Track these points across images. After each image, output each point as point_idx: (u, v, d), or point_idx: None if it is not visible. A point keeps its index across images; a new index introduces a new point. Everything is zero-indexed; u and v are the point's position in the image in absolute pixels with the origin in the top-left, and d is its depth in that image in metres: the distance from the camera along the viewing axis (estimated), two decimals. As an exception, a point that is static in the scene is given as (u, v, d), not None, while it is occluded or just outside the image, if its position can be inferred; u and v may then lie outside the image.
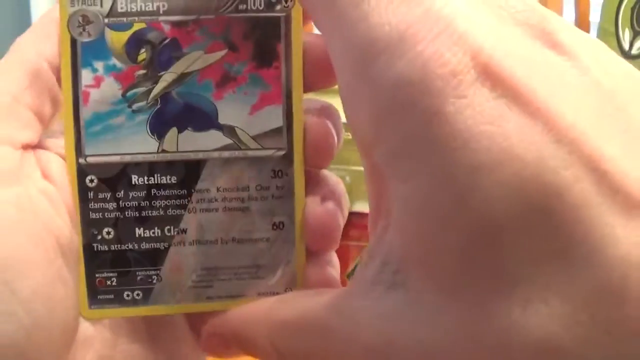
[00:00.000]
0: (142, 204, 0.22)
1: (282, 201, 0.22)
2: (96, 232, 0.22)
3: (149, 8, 0.21)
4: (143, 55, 0.21)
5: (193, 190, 0.22)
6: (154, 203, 0.22)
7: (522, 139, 0.13)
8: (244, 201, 0.22)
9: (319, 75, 0.22)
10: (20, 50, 0.20)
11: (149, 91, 0.21)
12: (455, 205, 0.14)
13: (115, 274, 0.22)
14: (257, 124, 0.22)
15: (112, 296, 0.22)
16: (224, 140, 0.22)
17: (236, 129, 0.22)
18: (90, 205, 0.21)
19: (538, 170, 0.13)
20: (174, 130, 0.21)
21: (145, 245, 0.22)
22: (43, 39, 0.20)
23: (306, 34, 0.22)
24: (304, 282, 0.23)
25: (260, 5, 0.21)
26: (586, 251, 0.13)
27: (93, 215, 0.21)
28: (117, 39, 0.21)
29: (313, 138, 0.22)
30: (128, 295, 0.22)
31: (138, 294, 0.22)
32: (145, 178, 0.22)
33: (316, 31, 0.22)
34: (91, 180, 0.21)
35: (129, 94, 0.21)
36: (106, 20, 0.21)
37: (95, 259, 0.22)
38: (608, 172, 0.13)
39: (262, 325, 0.20)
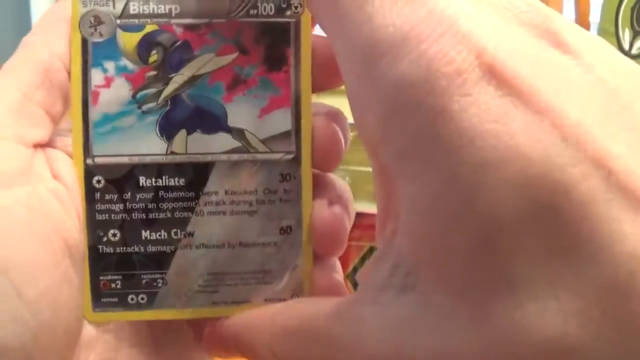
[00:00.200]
0: (150, 206, 0.21)
1: (289, 205, 0.22)
2: (102, 234, 0.21)
3: (161, 11, 0.21)
4: (154, 56, 0.21)
5: (201, 193, 0.22)
6: (161, 205, 0.22)
7: (528, 137, 0.13)
8: (252, 205, 0.22)
9: (327, 76, 0.22)
10: (31, 48, 0.20)
11: (159, 92, 0.21)
12: (462, 204, 0.14)
13: (120, 277, 0.22)
14: (266, 127, 0.22)
15: (116, 299, 0.22)
16: (233, 143, 0.22)
17: (245, 132, 0.22)
18: (96, 206, 0.21)
19: (545, 168, 0.13)
20: (183, 132, 0.21)
21: (151, 248, 0.22)
22: (55, 37, 0.20)
23: (314, 35, 0.22)
24: (310, 288, 0.22)
25: (270, 10, 0.22)
26: (594, 248, 0.13)
27: (99, 217, 0.21)
28: (129, 40, 0.21)
29: (321, 142, 0.22)
30: (132, 299, 0.22)
31: (142, 298, 0.22)
32: (153, 180, 0.21)
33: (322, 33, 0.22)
34: (98, 181, 0.21)
35: (139, 95, 0.21)
36: (118, 22, 0.21)
37: (100, 261, 0.21)
38: (615, 169, 0.13)
39: (263, 332, 0.20)
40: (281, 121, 0.22)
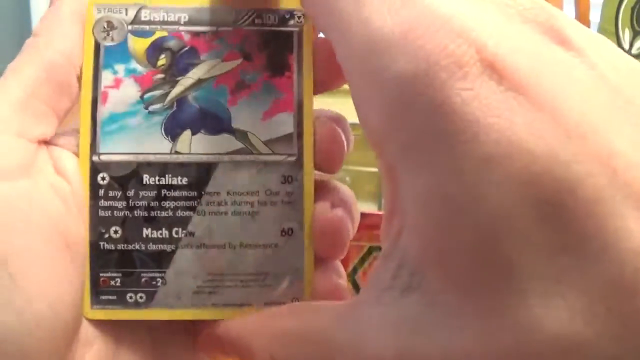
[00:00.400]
0: (152, 204, 0.22)
1: (291, 207, 0.22)
2: (104, 231, 0.22)
3: (171, 19, 0.22)
4: (163, 60, 0.22)
5: (203, 193, 0.22)
6: (164, 204, 0.22)
7: (531, 133, 0.13)
8: (253, 206, 0.22)
9: (328, 76, 0.23)
10: (34, 48, 0.21)
11: (166, 94, 0.22)
12: (466, 199, 0.14)
13: (120, 274, 0.22)
14: (269, 130, 0.22)
15: (115, 297, 0.22)
16: (236, 144, 0.22)
17: (248, 133, 0.22)
18: (100, 203, 0.22)
19: (548, 164, 0.13)
20: (187, 132, 0.22)
21: (151, 247, 0.22)
22: (57, 35, 0.21)
23: (316, 41, 0.23)
24: (311, 292, 0.22)
25: (275, 20, 0.23)
26: (599, 245, 0.13)
27: (102, 213, 0.22)
28: (139, 44, 0.22)
29: (323, 144, 0.22)
30: (131, 297, 0.22)
31: (141, 297, 0.22)
32: (157, 178, 0.22)
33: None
34: (103, 178, 0.22)
35: (146, 96, 0.22)
36: (130, 27, 0.22)
37: (100, 258, 0.21)
38: (619, 166, 0.13)
39: (262, 335, 0.20)
40: (284, 124, 0.22)
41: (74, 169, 0.21)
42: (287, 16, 0.23)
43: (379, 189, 0.54)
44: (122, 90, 0.22)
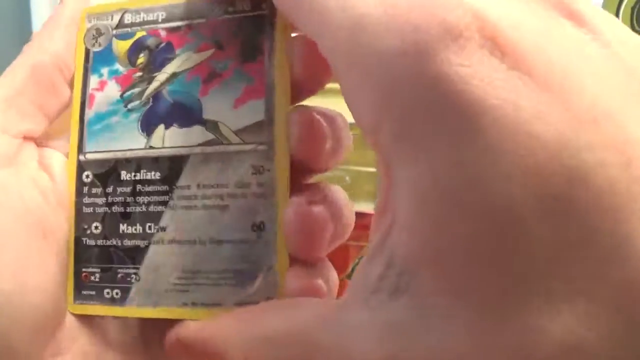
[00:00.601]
0: (128, 199, 0.22)
1: (263, 200, 0.21)
2: (86, 227, 0.22)
3: (150, 18, 0.23)
4: (142, 59, 0.23)
5: (174, 187, 0.21)
6: (138, 199, 0.22)
7: (538, 118, 0.12)
8: (223, 199, 0.21)
9: (312, 75, 0.21)
10: (26, 52, 0.23)
11: (144, 91, 0.22)
12: (467, 192, 0.12)
13: (99, 270, 0.22)
14: (240, 119, 0.21)
15: (94, 292, 0.22)
16: (206, 135, 0.21)
17: (219, 123, 0.21)
18: (84, 199, 0.22)
19: (558, 152, 0.12)
20: (161, 126, 0.22)
21: (127, 242, 0.22)
22: (47, 38, 0.23)
23: (301, 36, 0.21)
24: (284, 291, 0.20)
25: (247, 6, 0.22)
26: (613, 243, 0.12)
27: (85, 210, 0.22)
28: (121, 47, 0.23)
29: (297, 131, 0.20)
30: (108, 293, 0.22)
31: (117, 293, 0.22)
32: (133, 174, 0.22)
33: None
34: (87, 176, 0.22)
35: (126, 94, 0.22)
36: (114, 32, 0.23)
37: (83, 253, 0.22)
38: (635, 155, 0.12)
39: (235, 338, 0.18)
40: (254, 111, 0.21)
41: (60, 168, 0.22)
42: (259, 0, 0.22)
43: (379, 189, 0.50)
44: (106, 92, 0.23)
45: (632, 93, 0.13)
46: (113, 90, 0.23)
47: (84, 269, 0.22)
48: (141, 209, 0.22)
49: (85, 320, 0.22)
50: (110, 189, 0.22)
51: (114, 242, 0.22)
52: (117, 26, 0.23)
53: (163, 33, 0.22)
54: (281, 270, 0.20)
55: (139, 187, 0.22)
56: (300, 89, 0.21)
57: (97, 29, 0.23)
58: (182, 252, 0.21)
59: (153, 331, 0.22)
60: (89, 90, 0.23)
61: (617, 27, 0.14)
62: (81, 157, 0.23)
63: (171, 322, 0.21)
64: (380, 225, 0.15)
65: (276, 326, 0.17)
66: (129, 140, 0.22)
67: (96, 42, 0.23)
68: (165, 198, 0.21)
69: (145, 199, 0.22)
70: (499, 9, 0.13)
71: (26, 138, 0.22)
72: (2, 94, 0.22)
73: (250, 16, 0.22)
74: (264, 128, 0.21)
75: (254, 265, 0.20)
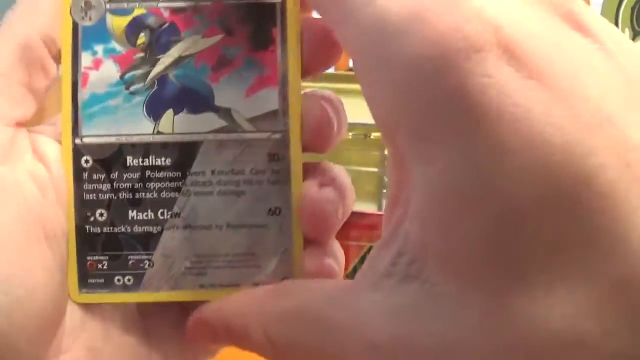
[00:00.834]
0: (136, 185, 0.21)
1: (278, 186, 0.22)
2: (89, 214, 0.21)
3: None
4: (142, 38, 0.22)
5: (187, 173, 0.22)
6: (148, 185, 0.21)
7: (550, 124, 0.13)
8: (239, 185, 0.22)
9: (318, 56, 0.22)
10: (8, 27, 0.21)
11: (147, 73, 0.22)
12: (480, 187, 0.14)
13: (107, 258, 0.22)
14: (253, 107, 0.22)
15: (102, 280, 0.21)
16: (219, 122, 0.22)
17: (232, 111, 0.22)
18: (84, 186, 0.21)
19: (566, 156, 0.13)
20: (170, 111, 0.22)
21: (137, 229, 0.22)
22: (31, 13, 0.21)
23: (307, 17, 0.22)
24: (301, 272, 0.22)
25: None
26: (610, 241, 0.13)
27: (87, 197, 0.21)
28: (118, 23, 0.22)
29: (310, 121, 0.22)
30: (119, 280, 0.22)
31: (129, 279, 0.22)
32: (140, 160, 0.21)
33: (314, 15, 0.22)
34: (86, 161, 0.21)
35: (126, 76, 0.22)
36: (108, 6, 0.22)
37: (87, 242, 0.21)
38: (634, 159, 0.13)
39: (255, 314, 0.19)
40: (268, 100, 0.22)
41: (54, 156, 0.21)
42: None
43: (379, 189, 0.55)
44: (102, 71, 0.21)
45: (632, 100, 0.14)
46: (111, 70, 0.22)
47: (89, 257, 0.21)
48: (152, 195, 0.21)
49: (86, 316, 0.21)
50: (115, 175, 0.21)
51: (123, 229, 0.21)
52: (111, 0, 0.22)
53: (165, 13, 0.22)
54: (297, 252, 0.22)
55: (148, 172, 0.21)
56: (306, 71, 0.22)
57: (86, 2, 0.21)
58: (197, 237, 0.22)
59: (155, 320, 0.23)
60: (81, 69, 0.21)
61: (620, 39, 0.15)
62: (77, 141, 0.21)
63: (176, 306, 0.22)
64: (393, 217, 0.17)
65: (292, 304, 0.18)
66: (133, 125, 0.21)
67: (85, 15, 0.21)
68: (178, 184, 0.22)
69: (156, 185, 0.21)
70: (514, 22, 0.14)
71: (18, 124, 0.20)
72: None
73: (259, 3, 0.22)
74: (279, 117, 0.22)
75: (271, 248, 0.22)
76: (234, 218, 0.22)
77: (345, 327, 0.17)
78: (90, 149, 0.21)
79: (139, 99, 0.22)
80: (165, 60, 0.22)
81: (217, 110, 0.22)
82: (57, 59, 0.21)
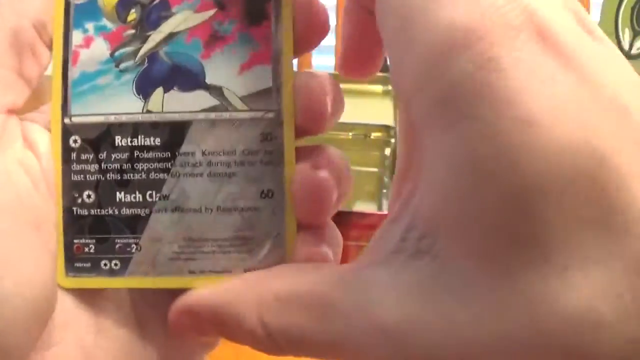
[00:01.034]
0: (124, 166, 0.21)
1: (271, 168, 0.21)
2: (77, 195, 0.21)
3: None
4: (133, 15, 0.21)
5: (177, 154, 0.21)
6: (137, 166, 0.21)
7: (574, 102, 0.13)
8: (230, 166, 0.21)
9: (309, 34, 0.21)
10: (0, 12, 0.20)
11: (137, 50, 0.21)
12: (500, 159, 0.13)
13: (94, 241, 0.21)
14: (246, 85, 0.21)
15: (89, 264, 0.21)
16: (210, 100, 0.21)
17: (224, 89, 0.21)
18: (72, 166, 0.21)
19: (586, 135, 0.13)
20: (159, 90, 0.21)
21: (125, 211, 0.21)
22: None
23: None
24: (293, 258, 0.20)
25: None
26: (627, 220, 0.13)
27: (75, 178, 0.21)
28: (109, 0, 0.21)
29: (304, 99, 0.20)
30: (106, 265, 0.21)
31: (116, 264, 0.21)
32: (129, 139, 0.21)
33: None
34: (75, 141, 0.21)
35: (117, 53, 0.21)
36: None
37: (74, 224, 0.21)
38: None
39: (250, 300, 0.18)
40: (261, 78, 0.21)
41: (44, 144, 0.21)
42: None
43: (379, 189, 0.54)
44: (92, 49, 0.21)
45: None
46: (101, 48, 0.21)
47: (75, 240, 0.21)
48: (140, 176, 0.21)
49: (77, 309, 0.21)
50: (103, 155, 0.21)
51: (110, 211, 0.21)
52: None
53: None
54: (290, 236, 0.20)
55: (137, 153, 0.21)
56: (297, 47, 0.21)
57: None
58: (186, 220, 0.21)
59: (149, 312, 0.22)
60: (72, 47, 0.21)
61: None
62: (66, 121, 0.21)
63: (171, 297, 0.21)
64: (402, 191, 0.16)
65: (293, 287, 0.17)
66: (122, 103, 0.21)
67: None
68: (167, 165, 0.21)
69: (145, 166, 0.21)
70: (546, 10, 0.15)
71: (9, 111, 0.20)
72: None
73: None
74: (272, 95, 0.21)
75: (263, 232, 0.20)
76: (225, 201, 0.21)
77: (351, 310, 0.16)
78: (79, 128, 0.21)
79: (129, 76, 0.21)
80: (155, 37, 0.21)
81: (208, 88, 0.21)
82: (50, 45, 0.21)
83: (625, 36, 0.51)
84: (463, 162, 0.14)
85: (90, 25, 0.21)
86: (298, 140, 0.21)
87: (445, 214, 0.15)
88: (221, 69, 0.21)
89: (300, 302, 0.17)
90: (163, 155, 0.21)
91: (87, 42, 0.21)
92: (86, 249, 0.21)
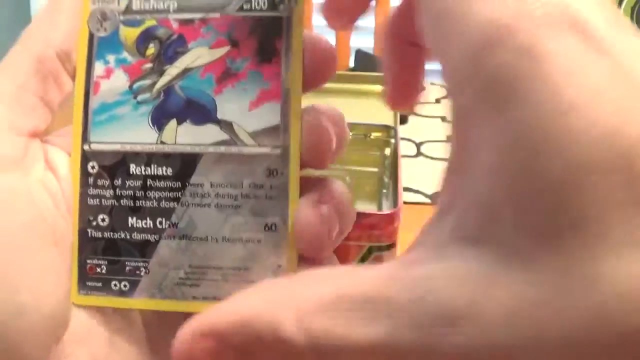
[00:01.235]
0: (138, 193, 0.22)
1: (276, 202, 0.21)
2: (92, 218, 0.22)
3: (160, 7, 0.22)
4: (151, 49, 0.22)
5: (187, 184, 0.22)
6: (149, 194, 0.22)
7: (611, 88, 0.14)
8: (237, 199, 0.21)
9: (318, 71, 0.21)
10: (25, 40, 0.22)
11: (154, 84, 0.22)
12: (546, 142, 0.14)
13: (106, 262, 0.22)
14: (255, 121, 0.22)
15: (100, 284, 0.22)
16: (221, 135, 0.22)
17: (234, 124, 0.22)
18: (89, 191, 0.22)
19: (624, 119, 0.14)
20: (173, 122, 0.22)
21: (136, 236, 0.22)
22: (49, 27, 0.22)
23: (306, 32, 0.22)
24: None
25: (264, 5, 0.22)
26: None
27: (91, 201, 0.22)
28: (129, 34, 0.22)
29: (310, 137, 0.21)
30: (115, 285, 0.22)
31: (125, 285, 0.22)
32: (143, 168, 0.22)
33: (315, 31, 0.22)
34: (92, 167, 0.22)
35: (135, 85, 0.22)
36: (121, 18, 0.22)
37: (88, 245, 0.22)
38: None
39: (285, 306, 0.16)
40: (270, 115, 0.21)
41: (64, 167, 0.22)
42: (276, 0, 0.22)
43: (379, 189, 0.53)
44: (112, 80, 0.22)
45: None
46: (121, 79, 0.22)
47: (89, 261, 0.22)
48: (152, 203, 0.22)
49: (91, 323, 0.22)
50: (118, 182, 0.22)
51: (122, 235, 0.22)
52: (125, 12, 0.22)
53: (175, 24, 0.22)
54: (290, 269, 0.21)
55: (149, 181, 0.22)
56: (306, 85, 0.22)
57: (103, 13, 0.22)
58: (193, 248, 0.22)
59: (160, 332, 0.23)
60: (94, 78, 0.22)
61: None
62: (86, 147, 0.22)
63: (182, 318, 0.22)
64: (452, 183, 0.16)
65: (333, 289, 0.16)
66: (138, 133, 0.22)
67: (101, 26, 0.22)
68: (178, 194, 0.22)
69: (156, 194, 0.22)
70: (581, 3, 0.15)
71: (32, 135, 0.21)
72: (6, 89, 0.21)
73: (267, 16, 0.22)
74: (280, 132, 0.21)
75: (265, 263, 0.21)
76: (230, 232, 0.22)
77: (409, 304, 0.15)
78: (97, 155, 0.22)
79: (146, 108, 0.22)
80: (172, 71, 0.22)
81: (219, 122, 0.22)
82: (72, 73, 0.22)
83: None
84: (514, 146, 0.15)
85: (111, 58, 0.22)
86: (301, 171, 0.22)
87: (500, 199, 0.15)
88: (232, 105, 0.22)
89: (349, 303, 0.16)
90: (174, 185, 0.22)
91: (108, 74, 0.22)
92: (98, 269, 0.22)
